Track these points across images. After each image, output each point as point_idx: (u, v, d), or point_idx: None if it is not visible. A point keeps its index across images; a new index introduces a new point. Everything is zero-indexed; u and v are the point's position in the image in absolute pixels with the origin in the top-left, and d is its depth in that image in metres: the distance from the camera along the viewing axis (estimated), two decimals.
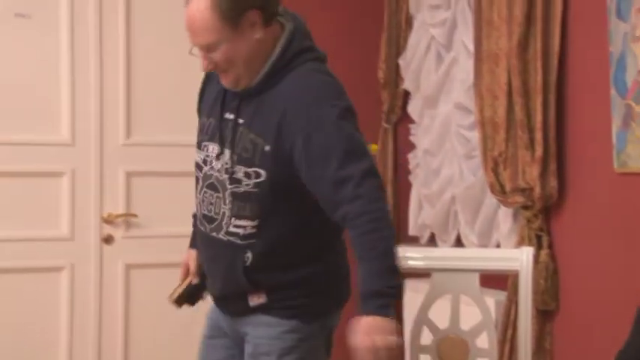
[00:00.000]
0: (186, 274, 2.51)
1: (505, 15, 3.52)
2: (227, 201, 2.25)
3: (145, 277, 4.06)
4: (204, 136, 2.32)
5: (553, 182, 3.45)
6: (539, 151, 3.43)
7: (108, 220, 4.04)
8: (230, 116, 2.25)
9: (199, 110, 2.41)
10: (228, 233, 2.27)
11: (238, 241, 2.26)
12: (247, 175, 2.21)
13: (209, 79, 2.37)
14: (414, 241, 4.30)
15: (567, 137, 3.46)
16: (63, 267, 3.99)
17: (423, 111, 4.23)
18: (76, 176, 3.99)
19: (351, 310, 2.22)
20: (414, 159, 4.34)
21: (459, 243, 3.98)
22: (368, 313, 2.12)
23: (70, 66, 3.98)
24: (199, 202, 2.34)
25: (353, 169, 2.13)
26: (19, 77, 3.94)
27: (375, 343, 2.08)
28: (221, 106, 2.28)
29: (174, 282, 2.55)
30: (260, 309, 2.31)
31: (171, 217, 4.01)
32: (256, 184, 2.20)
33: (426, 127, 4.20)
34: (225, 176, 2.24)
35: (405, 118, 4.41)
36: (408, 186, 4.37)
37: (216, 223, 2.29)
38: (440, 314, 2.66)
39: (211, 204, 2.29)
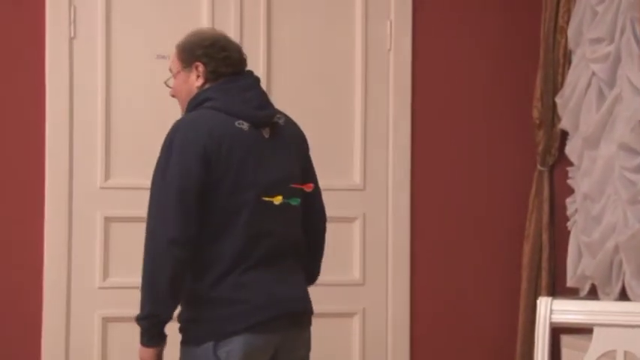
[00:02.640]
0: None
1: None
2: None
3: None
4: None
5: None
6: None
7: None
8: None
9: None
10: None
11: None
12: None
13: None
14: (572, 293, 4.18)
15: None
16: None
17: (583, 152, 4.12)
18: None
19: None
20: (572, 204, 4.24)
21: (623, 296, 3.83)
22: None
23: None
24: None
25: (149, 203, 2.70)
26: (162, 117, 4.03)
27: None
28: None
29: None
30: None
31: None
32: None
33: (586, 170, 4.09)
34: None
35: (562, 160, 4.31)
36: (565, 233, 4.26)
37: None
38: None
39: None
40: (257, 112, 2.78)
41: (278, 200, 2.74)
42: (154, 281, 2.61)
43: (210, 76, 2.79)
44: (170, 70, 2.89)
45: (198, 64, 2.79)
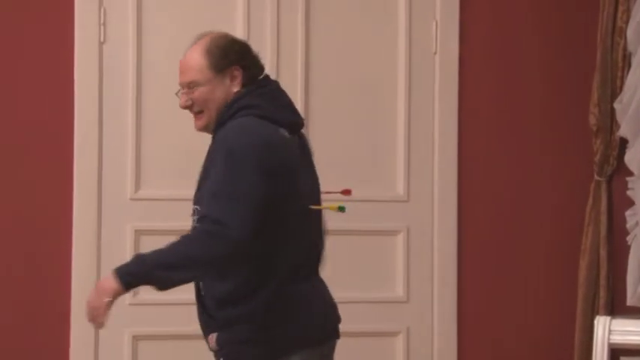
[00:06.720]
0: None
1: None
2: None
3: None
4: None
5: None
6: None
7: None
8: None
9: None
10: None
11: None
12: (195, 212, 2.72)
13: None
14: (633, 312, 4.07)
15: None
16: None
17: None
18: None
19: None
20: (632, 217, 4.20)
21: None
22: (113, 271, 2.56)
23: None
24: None
25: (210, 209, 2.60)
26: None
27: (90, 297, 2.55)
28: None
29: None
30: (216, 356, 2.72)
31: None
32: (198, 219, 2.65)
33: None
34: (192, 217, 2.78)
35: (621, 170, 4.28)
36: (625, 248, 4.22)
37: None
38: None
39: None
40: (295, 119, 2.80)
41: (326, 208, 2.79)
42: (198, 259, 2.57)
43: (247, 81, 2.75)
44: (192, 82, 2.75)
45: (235, 68, 2.74)
